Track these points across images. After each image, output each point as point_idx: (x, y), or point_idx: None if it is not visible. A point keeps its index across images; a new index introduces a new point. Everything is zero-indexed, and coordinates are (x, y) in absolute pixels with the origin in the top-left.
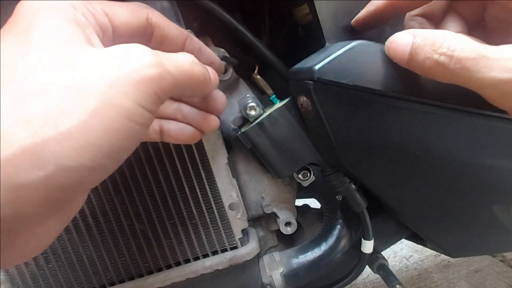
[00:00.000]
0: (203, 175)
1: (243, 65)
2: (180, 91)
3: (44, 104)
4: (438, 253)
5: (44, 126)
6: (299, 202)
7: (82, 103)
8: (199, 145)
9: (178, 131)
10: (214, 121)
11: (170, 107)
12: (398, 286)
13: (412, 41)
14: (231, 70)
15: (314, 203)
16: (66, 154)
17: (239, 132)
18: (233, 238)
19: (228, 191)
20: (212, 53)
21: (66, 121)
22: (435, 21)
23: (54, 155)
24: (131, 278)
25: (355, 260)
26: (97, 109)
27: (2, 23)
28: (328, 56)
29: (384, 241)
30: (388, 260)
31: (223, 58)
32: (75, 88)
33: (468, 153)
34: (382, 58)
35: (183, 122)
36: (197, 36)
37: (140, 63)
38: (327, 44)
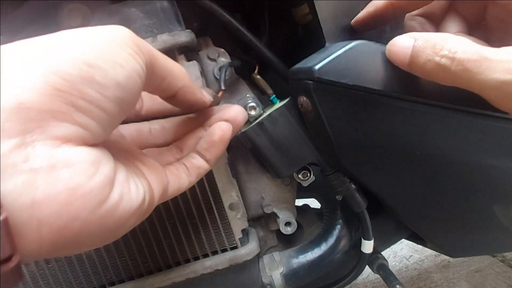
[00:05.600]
0: None
1: (243, 65)
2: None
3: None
4: (438, 253)
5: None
6: (299, 202)
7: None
8: None
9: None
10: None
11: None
12: (398, 286)
13: (413, 44)
14: (231, 70)
15: (314, 203)
16: None
17: (239, 132)
18: (233, 238)
19: (228, 191)
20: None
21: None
22: (436, 21)
23: None
24: (131, 278)
25: (355, 260)
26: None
27: (2, 23)
28: (328, 56)
29: (384, 241)
30: (388, 260)
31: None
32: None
33: (468, 153)
34: (382, 58)
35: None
36: (197, 36)
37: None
38: (327, 44)
